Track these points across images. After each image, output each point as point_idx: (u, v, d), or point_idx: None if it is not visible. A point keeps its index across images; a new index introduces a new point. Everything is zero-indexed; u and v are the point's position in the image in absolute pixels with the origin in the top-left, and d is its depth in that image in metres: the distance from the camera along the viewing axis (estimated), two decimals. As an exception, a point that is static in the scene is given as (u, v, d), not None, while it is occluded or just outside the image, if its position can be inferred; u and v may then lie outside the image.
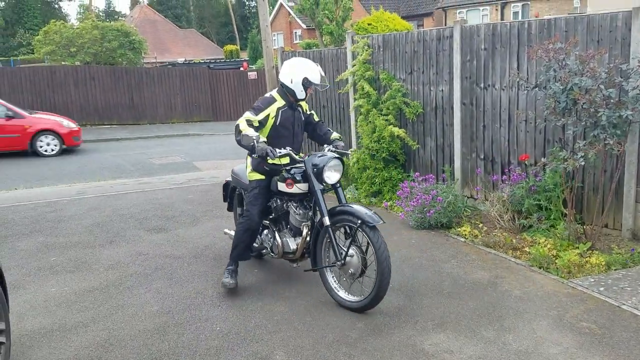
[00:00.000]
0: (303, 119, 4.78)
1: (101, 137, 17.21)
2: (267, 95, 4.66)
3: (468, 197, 6.68)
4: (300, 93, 4.49)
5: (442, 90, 6.82)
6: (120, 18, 53.18)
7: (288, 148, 4.40)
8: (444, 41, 6.71)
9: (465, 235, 5.83)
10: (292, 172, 4.46)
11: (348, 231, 4.28)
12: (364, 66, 7.62)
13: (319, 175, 4.31)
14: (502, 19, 30.68)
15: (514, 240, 5.49)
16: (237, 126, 4.33)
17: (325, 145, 4.75)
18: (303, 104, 4.75)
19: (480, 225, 6.02)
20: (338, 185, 4.49)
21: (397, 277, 4.75)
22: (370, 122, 7.42)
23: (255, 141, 4.17)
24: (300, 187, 4.42)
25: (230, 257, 4.77)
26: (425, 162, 7.22)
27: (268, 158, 4.32)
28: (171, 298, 4.54)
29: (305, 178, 4.39)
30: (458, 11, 34.73)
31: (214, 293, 4.62)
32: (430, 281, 4.69)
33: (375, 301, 4.05)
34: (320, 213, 4.30)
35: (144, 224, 6.83)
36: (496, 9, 32.12)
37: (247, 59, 32.14)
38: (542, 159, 5.31)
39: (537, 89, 5.45)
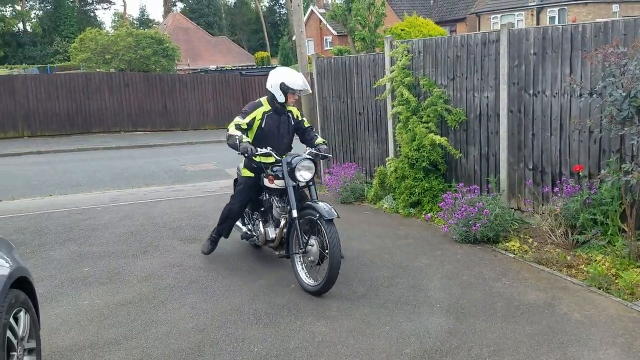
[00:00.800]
0: (293, 123, 5.36)
1: (135, 144, 17.30)
2: (256, 100, 5.35)
3: (515, 210, 6.33)
4: (280, 97, 5.10)
5: (487, 96, 6.50)
6: (154, 26, 54.00)
7: (269, 148, 4.97)
8: (490, 45, 6.40)
9: (514, 250, 5.50)
10: (274, 169, 5.04)
11: (311, 224, 4.78)
12: (403, 72, 7.35)
13: (292, 173, 4.86)
14: (537, 24, 29.95)
15: (568, 257, 5.13)
16: (227, 130, 5.02)
17: (306, 148, 5.29)
18: (294, 110, 5.38)
19: (530, 240, 5.67)
20: (311, 183, 5.02)
21: (445, 297, 4.46)
22: (409, 129, 7.14)
23: (238, 140, 4.90)
24: (278, 184, 5.03)
25: (215, 228, 5.64)
26: (468, 172, 6.90)
27: (254, 157, 4.96)
28: (206, 314, 4.34)
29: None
30: (492, 16, 34.13)
31: (250, 310, 4.40)
32: (481, 302, 4.38)
33: (327, 286, 4.54)
34: (290, 206, 4.81)
35: (178, 233, 6.68)
36: (532, 14, 31.40)
37: (278, 65, 32.15)
38: (602, 171, 4.95)
39: (593, 95, 5.10)
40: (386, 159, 7.93)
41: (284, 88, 5.07)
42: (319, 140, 5.40)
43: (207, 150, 16.00)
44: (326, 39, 40.42)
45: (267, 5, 68.08)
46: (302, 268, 4.84)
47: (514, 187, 6.37)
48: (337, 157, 9.32)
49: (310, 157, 5.01)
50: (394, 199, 7.59)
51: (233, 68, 29.81)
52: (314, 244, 4.72)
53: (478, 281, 4.78)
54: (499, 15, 33.87)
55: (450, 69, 6.91)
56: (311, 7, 39.67)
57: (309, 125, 5.52)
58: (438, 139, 6.75)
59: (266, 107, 5.23)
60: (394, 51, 7.55)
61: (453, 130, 6.94)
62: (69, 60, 35.88)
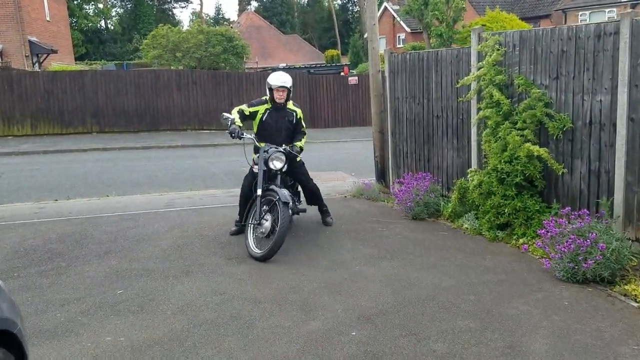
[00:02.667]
0: (294, 121, 6.52)
1: (199, 143, 16.95)
2: (263, 97, 6.47)
3: (632, 241, 5.09)
4: (268, 93, 6.32)
5: (600, 100, 5.29)
6: (226, 24, 54.56)
7: (253, 136, 6.39)
8: (606, 39, 5.18)
9: (637, 296, 4.31)
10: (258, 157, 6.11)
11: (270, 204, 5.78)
12: (494, 69, 6.24)
13: (267, 161, 5.98)
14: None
15: None
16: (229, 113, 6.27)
17: (283, 145, 6.28)
18: (298, 111, 6.60)
19: (658, 283, 4.45)
20: (279, 172, 6.08)
21: (554, 365, 3.37)
22: (500, 137, 6.02)
23: (230, 122, 6.10)
24: (255, 169, 6.16)
25: None
26: (572, 191, 5.69)
27: (240, 138, 6.11)
28: (244, 367, 3.50)
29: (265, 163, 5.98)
30: (580, 13, 31.66)
31: (299, 364, 3.52)
32: (606, 378, 3.27)
33: (269, 254, 5.46)
34: (256, 186, 5.90)
35: (227, 250, 5.91)
36: (625, 10, 28.77)
37: (349, 63, 31.26)
38: None
39: None
40: (468, 171, 6.83)
41: (268, 85, 6.30)
42: (296, 143, 6.45)
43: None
44: (399, 37, 39.10)
45: (340, 3, 67.36)
46: (252, 238, 5.76)
47: (632, 213, 5.12)
48: (409, 166, 8.29)
49: (283, 151, 6.13)
50: (476, 218, 6.50)
51: (302, 66, 29.20)
52: (268, 219, 5.71)
53: (597, 343, 3.65)
54: (587, 12, 31.39)
55: (553, 67, 5.72)
56: (385, 3, 38.46)
57: (302, 130, 6.62)
58: (536, 149, 5.60)
59: (268, 105, 6.35)
60: (483, 45, 6.44)
61: (555, 139, 5.76)
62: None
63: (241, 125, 6.13)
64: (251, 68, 31.03)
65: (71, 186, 10.65)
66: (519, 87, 6.01)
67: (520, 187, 5.91)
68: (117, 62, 45.60)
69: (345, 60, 39.48)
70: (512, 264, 5.23)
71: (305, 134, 6.62)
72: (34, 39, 25.99)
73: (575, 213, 5.05)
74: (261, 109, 6.35)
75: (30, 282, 5.07)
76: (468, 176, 6.77)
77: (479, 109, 6.55)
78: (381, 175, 9.03)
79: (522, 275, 4.90)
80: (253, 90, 19.88)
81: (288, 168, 6.33)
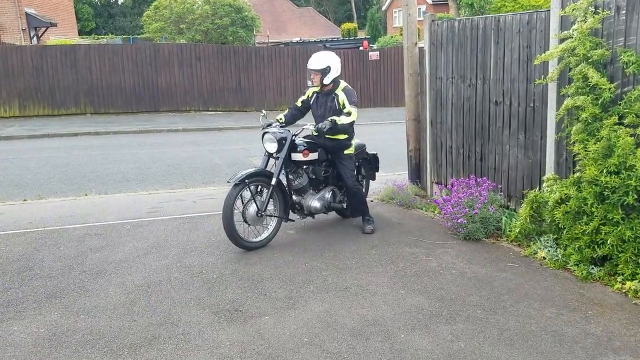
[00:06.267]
0: (337, 107, 5.52)
1: (202, 126, 15.25)
2: None
3: None
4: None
5: None
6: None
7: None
8: None
9: None
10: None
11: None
12: (589, 40, 4.43)
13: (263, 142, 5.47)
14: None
15: None
16: None
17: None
18: (341, 95, 5.52)
19: None
20: (275, 155, 5.37)
21: None
22: (601, 137, 4.24)
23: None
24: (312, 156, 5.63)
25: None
26: None
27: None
28: None
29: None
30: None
31: None
32: None
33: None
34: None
35: (215, 294, 4.24)
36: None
37: (368, 37, 29.12)
38: None
39: None
40: (544, 179, 5.07)
41: (308, 71, 5.60)
42: (332, 117, 5.38)
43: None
44: (419, 9, 36.73)
45: (356, -26, 64.52)
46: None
47: None
48: (454, 164, 6.53)
49: (278, 130, 5.41)
50: (557, 244, 4.78)
51: (317, 40, 27.17)
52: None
53: None
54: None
55: (691, 35, 3.91)
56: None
57: (346, 112, 5.47)
58: (664, 159, 3.83)
59: (316, 88, 5.63)
60: (572, 6, 4.61)
61: (688, 143, 3.97)
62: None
63: (281, 121, 5.62)
64: (262, 43, 29.02)
65: (47, 180, 9.07)
66: (627, 66, 4.21)
67: (630, 208, 4.15)
68: (124, 36, 43.80)
69: (362, 34, 37.30)
70: (631, 328, 3.50)
71: (349, 114, 5.46)
72: (31, 11, 24.28)
73: None
74: (309, 92, 5.77)
75: None
76: (544, 185, 5.03)
77: (562, 96, 4.78)
78: (416, 173, 7.28)
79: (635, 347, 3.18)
80: (263, 67, 18.08)
81: (331, 157, 5.71)
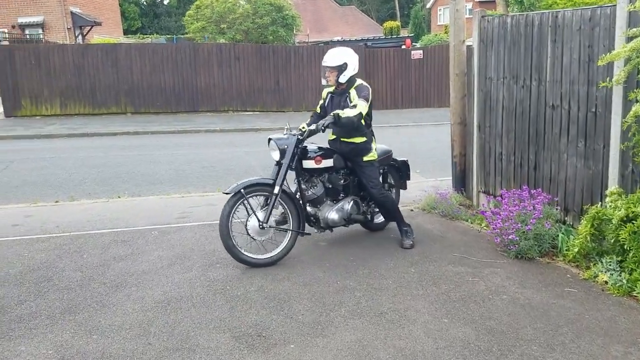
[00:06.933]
0: (349, 105, 4.96)
1: (240, 127, 15.04)
2: None
3: None
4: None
5: None
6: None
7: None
8: None
9: None
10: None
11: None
12: (668, 37, 3.87)
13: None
14: None
15: None
16: None
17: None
18: (352, 92, 5.00)
19: None
20: (280, 162, 4.85)
21: None
22: (680, 149, 3.68)
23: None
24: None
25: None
26: None
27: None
28: None
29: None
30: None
31: None
32: None
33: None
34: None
35: (240, 315, 3.88)
36: None
37: (411, 35, 28.43)
38: None
39: None
40: (608, 193, 4.51)
41: (322, 68, 5.12)
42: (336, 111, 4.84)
43: (316, 138, 13.21)
44: (465, 7, 35.71)
45: (400, -28, 63.66)
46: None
47: None
48: (503, 173, 6.00)
49: (274, 139, 4.95)
50: (621, 268, 4.23)
51: (359, 39, 26.71)
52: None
53: None
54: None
55: None
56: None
57: (352, 104, 4.93)
58: None
59: (331, 88, 5.23)
60: (645, -1, 4.05)
61: None
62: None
63: (303, 129, 5.02)
64: (302, 42, 28.75)
65: (82, 181, 8.99)
66: None
67: None
68: (168, 36, 44.39)
69: (405, 33, 36.59)
70: None
71: (355, 106, 4.89)
72: (76, 10, 24.74)
73: None
74: (324, 94, 5.32)
75: None
76: (607, 200, 4.47)
77: (629, 101, 4.22)
78: (461, 181, 6.76)
79: None
80: (302, 67, 17.75)
81: (351, 164, 5.19)
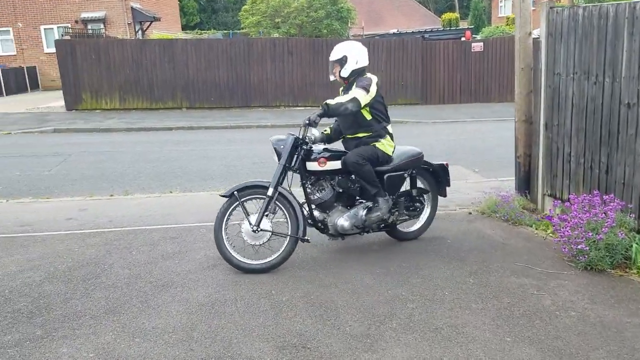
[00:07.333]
0: None
1: (291, 122, 14.89)
2: None
3: None
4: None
5: None
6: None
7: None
8: None
9: None
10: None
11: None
12: None
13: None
14: None
15: None
16: None
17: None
18: (353, 86, 4.72)
19: None
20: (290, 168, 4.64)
21: None
22: None
23: None
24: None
25: None
26: None
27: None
28: None
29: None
30: None
31: None
32: None
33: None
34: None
35: (284, 323, 3.69)
36: None
37: (471, 27, 27.51)
38: None
39: None
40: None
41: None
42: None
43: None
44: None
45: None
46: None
47: None
48: (572, 175, 5.55)
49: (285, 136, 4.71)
50: None
51: (415, 31, 26.09)
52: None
53: None
54: None
55: None
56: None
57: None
58: None
59: (343, 86, 4.91)
60: None
61: None
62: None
63: (326, 132, 5.00)
64: (357, 35, 28.37)
65: (137, 175, 9.09)
66: None
67: None
68: (225, 31, 45.00)
69: (464, 25, 35.55)
70: None
71: (349, 94, 4.57)
72: (137, 5, 25.34)
73: None
74: (340, 91, 4.99)
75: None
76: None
77: None
78: (524, 183, 6.34)
79: None
80: (357, 61, 17.42)
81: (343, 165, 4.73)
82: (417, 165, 5.10)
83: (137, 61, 16.63)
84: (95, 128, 14.25)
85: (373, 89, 4.67)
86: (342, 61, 4.70)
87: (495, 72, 18.01)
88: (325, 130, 4.98)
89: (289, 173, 4.66)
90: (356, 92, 4.57)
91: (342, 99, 4.53)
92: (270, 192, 4.47)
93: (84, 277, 4.58)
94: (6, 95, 22.68)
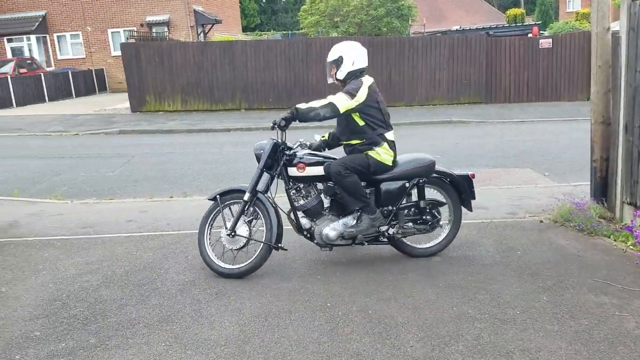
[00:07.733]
0: None
1: (350, 122, 14.74)
2: None
3: None
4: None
5: None
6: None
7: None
8: None
9: None
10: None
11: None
12: None
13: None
14: None
15: None
16: None
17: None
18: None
19: None
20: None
21: None
22: None
23: None
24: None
25: None
26: None
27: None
28: None
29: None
30: None
31: None
32: None
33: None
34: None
35: (340, 340, 3.48)
36: None
37: (539, 22, 26.37)
38: None
39: None
40: None
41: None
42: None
43: (431, 135, 12.49)
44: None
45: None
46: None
47: None
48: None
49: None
50: None
51: (479, 28, 25.27)
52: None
53: None
54: None
55: None
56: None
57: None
58: None
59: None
60: None
61: None
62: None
63: (323, 138, 4.95)
64: (418, 32, 27.78)
65: (196, 177, 9.15)
66: None
67: None
68: (284, 32, 45.37)
69: (530, 20, 34.17)
70: None
71: (325, 100, 4.28)
72: (199, 8, 25.85)
73: None
74: None
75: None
76: None
77: None
78: (601, 189, 5.84)
79: None
80: (417, 59, 17.03)
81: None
82: (424, 174, 4.62)
83: (198, 63, 16.89)
84: (158, 129, 14.56)
85: (361, 94, 4.31)
86: (338, 62, 4.47)
87: (565, 70, 17.11)
88: (323, 136, 4.83)
89: (275, 179, 4.63)
90: (336, 97, 4.27)
91: (315, 103, 4.27)
92: (246, 196, 4.44)
93: (140, 282, 4.55)
94: (75, 97, 23.68)
